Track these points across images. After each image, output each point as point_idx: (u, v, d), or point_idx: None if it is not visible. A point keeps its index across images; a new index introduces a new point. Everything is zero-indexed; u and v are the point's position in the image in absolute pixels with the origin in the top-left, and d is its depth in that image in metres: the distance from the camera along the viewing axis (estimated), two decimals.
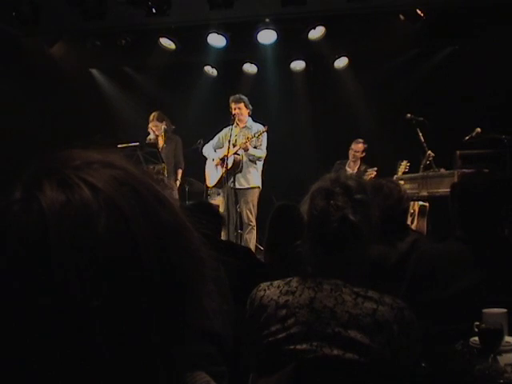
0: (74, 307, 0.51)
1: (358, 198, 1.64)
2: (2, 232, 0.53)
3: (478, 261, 2.23)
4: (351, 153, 6.71)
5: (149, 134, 6.56)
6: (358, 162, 6.68)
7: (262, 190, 6.20)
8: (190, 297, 0.58)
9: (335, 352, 1.54)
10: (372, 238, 1.67)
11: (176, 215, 0.59)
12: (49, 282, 0.51)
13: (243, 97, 6.18)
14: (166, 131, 6.43)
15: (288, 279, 1.72)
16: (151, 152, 5.94)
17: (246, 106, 6.15)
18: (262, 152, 6.08)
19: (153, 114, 6.49)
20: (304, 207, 1.70)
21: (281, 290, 1.68)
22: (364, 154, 6.67)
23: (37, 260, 0.51)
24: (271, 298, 1.67)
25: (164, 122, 6.47)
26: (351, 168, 6.68)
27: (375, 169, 6.19)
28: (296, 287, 1.67)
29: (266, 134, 6.10)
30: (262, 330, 1.65)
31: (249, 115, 6.22)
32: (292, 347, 1.58)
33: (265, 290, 1.72)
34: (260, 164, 6.16)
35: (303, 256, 1.70)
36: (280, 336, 1.61)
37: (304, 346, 1.57)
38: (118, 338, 0.53)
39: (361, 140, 6.70)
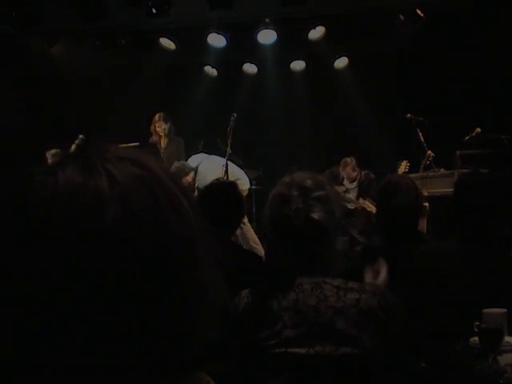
0: (66, 280, 0.51)
1: (316, 195, 1.65)
2: (19, 195, 0.55)
3: (478, 260, 2.23)
4: (344, 175, 6.41)
5: (151, 134, 6.51)
6: (356, 174, 6.45)
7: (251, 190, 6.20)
8: (184, 308, 0.58)
9: (328, 349, 1.55)
10: (339, 231, 1.69)
11: (189, 228, 0.60)
12: (49, 256, 0.52)
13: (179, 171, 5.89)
14: (169, 132, 6.38)
15: (269, 283, 1.72)
16: (152, 152, 5.93)
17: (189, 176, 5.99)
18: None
19: (158, 114, 6.41)
20: (266, 213, 1.71)
21: (263, 295, 1.68)
22: (356, 170, 6.41)
23: (42, 230, 0.53)
24: (256, 305, 1.67)
25: (169, 124, 6.39)
26: (350, 182, 6.41)
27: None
28: (278, 291, 1.67)
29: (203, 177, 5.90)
30: (250, 338, 1.65)
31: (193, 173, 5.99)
32: (283, 351, 1.58)
33: (247, 297, 1.71)
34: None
35: (275, 259, 1.71)
36: (270, 342, 1.60)
37: (295, 348, 1.57)
38: (110, 335, 0.53)
39: (348, 160, 6.39)
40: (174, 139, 6.47)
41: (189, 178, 5.92)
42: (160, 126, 6.38)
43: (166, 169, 0.62)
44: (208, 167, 5.92)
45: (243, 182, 6.11)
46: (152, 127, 6.48)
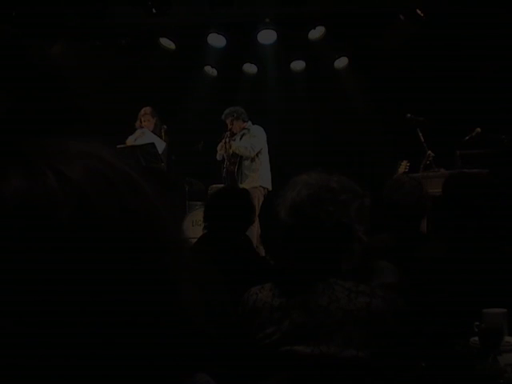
0: (34, 297, 0.49)
1: (342, 199, 1.66)
2: None
3: (476, 260, 2.23)
4: None
5: (134, 131, 6.28)
6: None
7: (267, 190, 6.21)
8: (162, 292, 0.56)
9: (332, 350, 1.55)
10: (356, 235, 1.69)
11: (152, 207, 0.57)
12: (11, 273, 0.49)
13: (229, 111, 6.13)
14: (155, 127, 6.23)
15: (279, 281, 1.72)
16: (151, 152, 5.91)
17: (233, 120, 6.09)
18: (245, 150, 6.06)
19: (144, 108, 6.28)
20: (286, 209, 1.70)
21: (273, 293, 1.69)
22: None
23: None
24: (265, 301, 1.68)
25: (155, 119, 6.27)
26: None
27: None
28: (288, 289, 1.68)
29: (253, 134, 6.10)
30: (256, 334, 1.65)
31: (244, 122, 6.18)
32: (288, 348, 1.59)
33: (257, 293, 1.72)
34: (259, 165, 6.16)
35: (291, 256, 1.71)
36: (276, 338, 1.61)
37: (301, 346, 1.58)
38: (89, 331, 0.51)
39: None
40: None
41: (235, 125, 6.09)
42: (147, 120, 6.22)
43: (112, 152, 0.57)
44: (257, 129, 6.17)
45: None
46: (137, 123, 6.31)
